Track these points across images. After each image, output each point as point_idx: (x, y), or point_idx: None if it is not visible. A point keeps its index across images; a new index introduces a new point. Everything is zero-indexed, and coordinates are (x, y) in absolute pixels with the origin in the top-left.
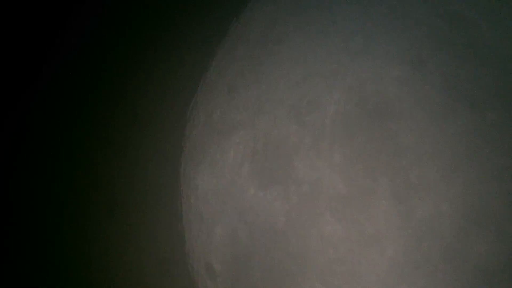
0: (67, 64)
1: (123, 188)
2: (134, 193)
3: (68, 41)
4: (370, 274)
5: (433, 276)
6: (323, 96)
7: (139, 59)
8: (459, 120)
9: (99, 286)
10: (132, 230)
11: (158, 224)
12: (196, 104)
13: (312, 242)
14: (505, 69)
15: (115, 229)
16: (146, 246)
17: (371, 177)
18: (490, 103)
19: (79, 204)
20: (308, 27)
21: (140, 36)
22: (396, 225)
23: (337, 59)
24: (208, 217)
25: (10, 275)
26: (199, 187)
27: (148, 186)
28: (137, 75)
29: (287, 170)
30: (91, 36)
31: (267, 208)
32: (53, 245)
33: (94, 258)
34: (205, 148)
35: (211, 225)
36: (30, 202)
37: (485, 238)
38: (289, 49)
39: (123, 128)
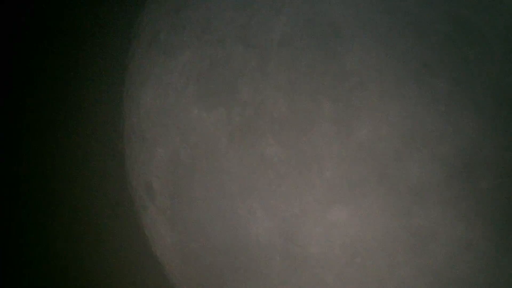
0: None
1: (63, 106)
2: (75, 110)
3: None
4: (307, 195)
5: (368, 197)
6: (271, 18)
7: None
8: (404, 45)
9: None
10: (71, 146)
11: (98, 141)
12: (142, 23)
13: (253, 164)
14: None
15: (53, 144)
16: (84, 162)
17: (314, 100)
18: (433, 24)
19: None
20: None
21: None
22: (336, 148)
23: None
24: (150, 136)
25: None
26: (142, 107)
27: (90, 104)
28: None
29: (231, 92)
30: None
31: (210, 129)
32: None
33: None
34: (150, 68)
35: (153, 145)
36: None
37: (419, 161)
38: None
39: (64, 46)
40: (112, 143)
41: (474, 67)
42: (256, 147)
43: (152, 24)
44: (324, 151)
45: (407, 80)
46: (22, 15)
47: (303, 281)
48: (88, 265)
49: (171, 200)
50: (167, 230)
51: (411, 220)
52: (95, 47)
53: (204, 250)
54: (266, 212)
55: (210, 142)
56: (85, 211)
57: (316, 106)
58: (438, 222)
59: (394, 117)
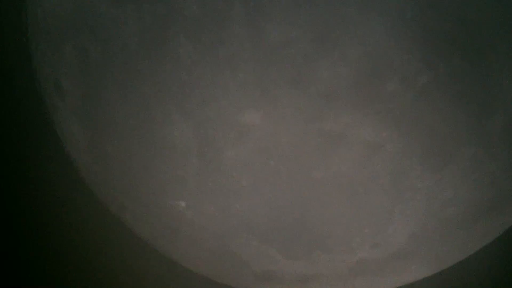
0: None
1: None
2: None
3: None
4: (221, 98)
5: (280, 101)
6: None
7: None
8: None
9: None
10: None
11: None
12: None
13: (166, 65)
14: None
15: None
16: None
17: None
18: None
19: None
20: None
21: None
22: (248, 50)
23: None
24: (56, 32)
25: None
26: (47, 0)
27: None
28: None
29: None
30: None
31: (120, 27)
32: None
33: None
34: None
35: (60, 41)
36: None
37: (329, 64)
38: None
39: None
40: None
41: None
42: (168, 46)
43: None
44: (237, 53)
45: None
46: None
47: (219, 184)
48: None
49: (82, 100)
50: (79, 130)
51: (323, 123)
52: None
53: (118, 152)
54: (181, 115)
55: (121, 40)
56: None
57: (227, 6)
58: (348, 126)
59: (305, 20)
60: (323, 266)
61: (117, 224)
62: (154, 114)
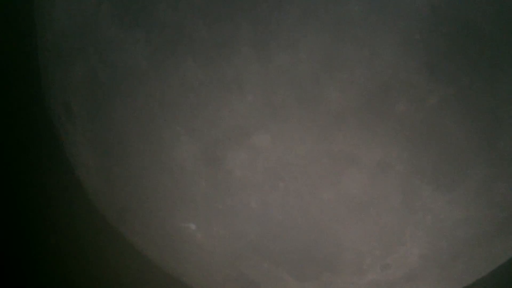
0: None
1: None
2: None
3: None
4: (229, 118)
5: (289, 122)
6: None
7: None
8: None
9: None
10: None
11: (11, 61)
12: None
13: (174, 86)
14: None
15: None
16: None
17: (233, 22)
18: None
19: None
20: None
21: None
22: (256, 71)
23: None
24: (65, 54)
25: None
26: (56, 22)
27: None
28: None
29: (149, 12)
30: None
31: (129, 50)
32: None
33: None
34: None
35: (69, 64)
36: None
37: (337, 84)
38: None
39: None
40: (26, 61)
41: None
42: (176, 69)
43: None
44: (245, 75)
45: (323, 3)
46: None
47: (228, 205)
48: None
49: (92, 122)
50: (89, 152)
51: (332, 144)
52: None
53: (127, 174)
54: (189, 136)
55: (130, 64)
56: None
57: (235, 28)
58: (357, 146)
59: (313, 40)
60: (333, 287)
61: (127, 247)
62: (162, 136)
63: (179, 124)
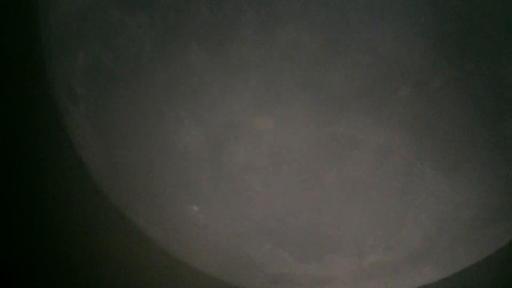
0: None
1: None
2: None
3: None
4: (233, 103)
5: (293, 105)
6: None
7: None
8: None
9: None
10: None
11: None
12: None
13: (178, 71)
14: None
15: None
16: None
17: (236, 5)
18: None
19: None
20: None
21: None
22: (260, 54)
23: None
24: (69, 41)
25: None
26: (59, 7)
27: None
28: None
29: None
30: None
31: (132, 34)
32: None
33: None
34: None
35: (73, 50)
36: None
37: (341, 68)
38: None
39: None
40: (29, 46)
41: None
42: (180, 52)
43: None
44: (249, 59)
45: None
46: None
47: (232, 188)
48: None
49: (95, 106)
50: (93, 135)
51: (335, 128)
52: None
53: (130, 157)
54: (193, 120)
55: (134, 47)
56: (5, 117)
57: (239, 13)
58: (360, 130)
59: (316, 24)
60: (336, 269)
61: (130, 228)
62: (166, 120)
63: (183, 108)
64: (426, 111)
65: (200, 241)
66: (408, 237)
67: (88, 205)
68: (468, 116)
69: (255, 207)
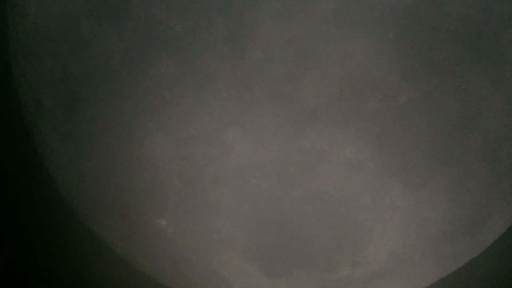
0: None
1: None
2: None
3: None
4: (203, 115)
5: (262, 118)
6: None
7: None
8: None
9: None
10: None
11: None
12: None
13: (147, 83)
14: None
15: None
16: None
17: (207, 18)
18: None
19: None
20: None
21: None
22: (230, 68)
23: None
24: (37, 49)
25: None
26: (28, 17)
27: None
28: None
29: (123, 6)
30: None
31: (102, 45)
32: None
33: None
34: None
35: (41, 59)
36: None
37: (310, 82)
38: None
39: None
40: None
41: None
42: (150, 65)
43: None
44: (219, 71)
45: (298, 2)
46: None
47: (200, 202)
48: None
49: (64, 117)
50: (60, 147)
51: (304, 141)
52: None
53: (98, 169)
54: (162, 132)
55: (103, 59)
56: None
57: (209, 23)
58: (329, 143)
59: (287, 38)
60: (304, 284)
61: (97, 241)
62: (135, 132)
63: (152, 120)
64: (393, 125)
65: (167, 256)
66: (376, 253)
67: (55, 219)
68: (435, 131)
69: (223, 221)
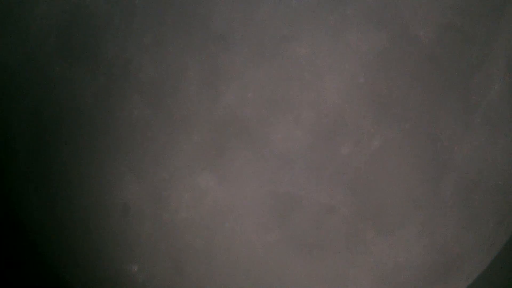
0: None
1: None
2: None
3: None
4: (176, 159)
5: (236, 162)
6: None
7: None
8: (267, 7)
9: None
10: None
11: None
12: None
13: (119, 125)
14: None
15: None
16: None
17: (181, 61)
18: None
19: None
20: None
21: None
22: (203, 111)
23: None
24: (7, 91)
25: None
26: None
27: None
28: None
29: (95, 49)
30: None
31: (74, 87)
32: None
33: None
34: (6, 15)
35: (11, 101)
36: None
37: (284, 126)
38: None
39: None
40: None
41: (334, 32)
42: (123, 108)
43: None
44: (192, 115)
45: (270, 47)
46: None
47: (173, 247)
48: None
49: (34, 161)
50: (31, 191)
51: (278, 186)
52: None
53: (69, 213)
54: (134, 176)
55: (75, 101)
56: None
57: (183, 67)
58: (302, 188)
59: (260, 81)
60: None
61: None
62: (106, 175)
63: (124, 164)
64: (366, 170)
65: None
66: None
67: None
68: (407, 175)
69: (196, 267)
